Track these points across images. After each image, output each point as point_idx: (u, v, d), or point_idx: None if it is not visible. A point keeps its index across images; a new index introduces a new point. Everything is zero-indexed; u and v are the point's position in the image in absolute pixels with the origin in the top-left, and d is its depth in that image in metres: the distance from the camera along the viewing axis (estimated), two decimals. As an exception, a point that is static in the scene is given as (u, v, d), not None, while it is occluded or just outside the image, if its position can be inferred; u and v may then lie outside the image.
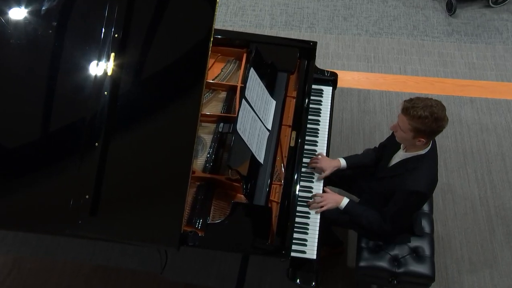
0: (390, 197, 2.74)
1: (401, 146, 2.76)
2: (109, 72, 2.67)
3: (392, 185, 2.73)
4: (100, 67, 2.68)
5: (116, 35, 2.71)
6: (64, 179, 2.54)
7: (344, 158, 3.03)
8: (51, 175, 2.56)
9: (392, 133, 2.83)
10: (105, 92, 2.64)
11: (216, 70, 3.24)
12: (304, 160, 2.96)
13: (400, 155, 2.76)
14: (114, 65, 2.68)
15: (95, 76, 2.67)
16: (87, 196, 2.49)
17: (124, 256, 2.71)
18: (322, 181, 2.94)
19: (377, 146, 3.08)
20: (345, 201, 2.83)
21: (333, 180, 3.16)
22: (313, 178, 2.94)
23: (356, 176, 3.12)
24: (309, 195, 2.86)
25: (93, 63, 2.70)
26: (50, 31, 2.75)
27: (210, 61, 3.09)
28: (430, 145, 2.69)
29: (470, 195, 3.82)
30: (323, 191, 2.89)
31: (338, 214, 2.89)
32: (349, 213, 2.84)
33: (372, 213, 2.81)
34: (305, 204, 2.82)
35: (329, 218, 2.90)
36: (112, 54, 2.69)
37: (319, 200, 2.81)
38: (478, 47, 4.89)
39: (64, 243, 2.73)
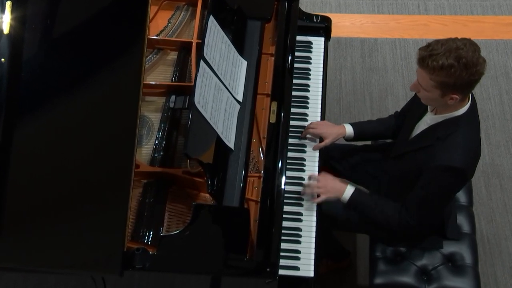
0: (414, 181, 2.73)
1: (428, 107, 2.76)
2: (6, 30, 2.66)
3: (417, 162, 2.72)
4: (-9, 23, 2.67)
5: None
6: None
7: (351, 124, 3.08)
8: None
9: (415, 93, 2.86)
10: (2, 59, 2.63)
11: (161, 22, 3.23)
12: (291, 141, 2.98)
13: (427, 121, 2.76)
14: (12, 19, 2.66)
15: (-15, 36, 2.66)
16: (-16, 210, 2.48)
17: (44, 291, 2.72)
18: (317, 161, 2.98)
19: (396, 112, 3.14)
20: (349, 190, 2.84)
21: (333, 166, 3.22)
22: (304, 165, 2.97)
23: (362, 157, 3.18)
24: (300, 189, 2.89)
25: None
26: None
27: (152, 9, 3.08)
28: (469, 102, 2.67)
29: (525, 178, 3.89)
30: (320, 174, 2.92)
31: (342, 210, 2.93)
32: (357, 206, 2.86)
33: (389, 204, 2.82)
34: (295, 202, 2.85)
35: (330, 217, 2.94)
36: (8, 3, 2.67)
37: (314, 185, 2.84)
38: (531, -36, 4.91)
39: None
